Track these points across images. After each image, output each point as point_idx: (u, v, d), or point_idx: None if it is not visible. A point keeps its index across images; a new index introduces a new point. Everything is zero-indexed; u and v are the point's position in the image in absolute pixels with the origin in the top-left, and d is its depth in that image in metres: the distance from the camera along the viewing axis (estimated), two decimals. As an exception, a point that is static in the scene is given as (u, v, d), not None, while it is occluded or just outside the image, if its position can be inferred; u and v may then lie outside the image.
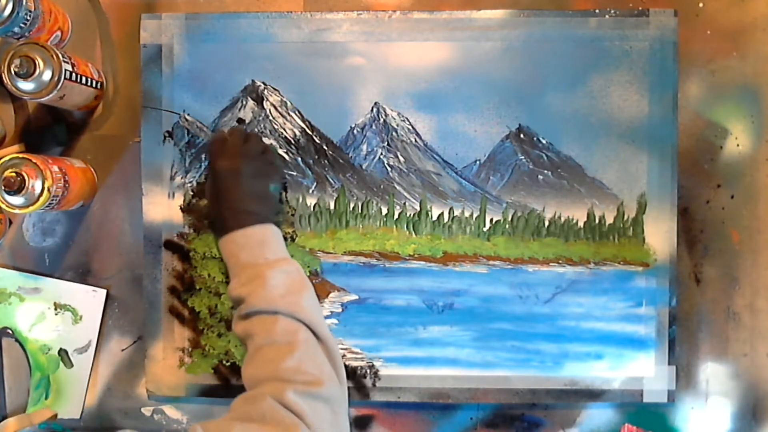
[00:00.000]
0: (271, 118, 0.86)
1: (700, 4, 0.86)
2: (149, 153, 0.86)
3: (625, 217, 0.86)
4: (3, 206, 0.77)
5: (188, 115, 0.86)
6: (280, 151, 0.87)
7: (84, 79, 0.81)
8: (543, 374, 0.86)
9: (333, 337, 0.69)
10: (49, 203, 0.78)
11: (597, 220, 0.86)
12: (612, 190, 0.86)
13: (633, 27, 0.84)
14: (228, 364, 0.86)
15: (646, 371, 0.86)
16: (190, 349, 0.87)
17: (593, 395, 0.86)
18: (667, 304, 0.85)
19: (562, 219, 0.86)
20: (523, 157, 0.86)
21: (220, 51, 0.86)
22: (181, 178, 0.86)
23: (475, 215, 0.86)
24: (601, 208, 0.86)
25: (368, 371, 0.86)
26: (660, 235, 0.85)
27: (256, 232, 0.72)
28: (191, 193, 0.86)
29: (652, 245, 0.85)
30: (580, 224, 0.86)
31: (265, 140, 0.86)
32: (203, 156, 0.86)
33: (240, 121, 0.86)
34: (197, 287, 0.86)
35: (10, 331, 0.62)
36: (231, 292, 0.71)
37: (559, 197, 0.86)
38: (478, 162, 0.86)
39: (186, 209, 0.86)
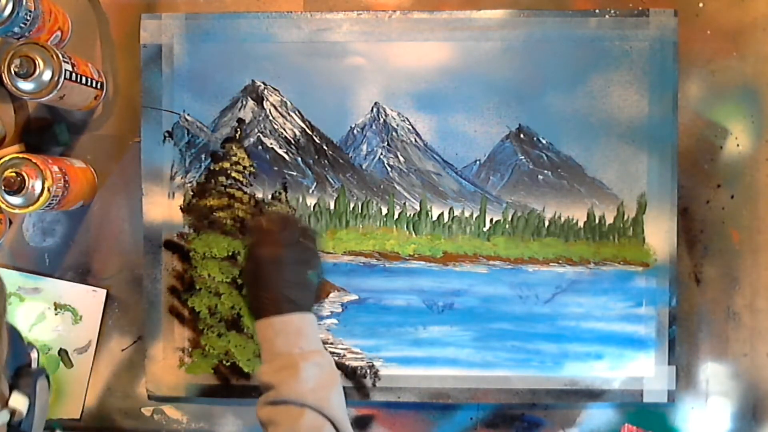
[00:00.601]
0: (271, 118, 0.86)
1: (700, 4, 0.86)
2: (149, 153, 0.86)
3: (625, 217, 0.86)
4: (3, 206, 0.77)
5: (188, 115, 0.86)
6: (280, 151, 0.87)
7: (84, 79, 0.81)
8: (543, 374, 0.86)
9: None
10: (49, 203, 0.78)
11: (597, 220, 0.86)
12: (612, 190, 0.86)
13: (633, 27, 0.84)
14: (228, 364, 0.86)
15: (646, 371, 0.85)
16: (190, 349, 0.87)
17: (593, 395, 0.86)
18: (667, 304, 0.85)
19: (562, 219, 0.86)
20: (523, 157, 0.86)
21: (220, 51, 0.86)
22: (181, 178, 0.86)
23: (475, 215, 0.86)
24: (601, 208, 0.86)
25: (368, 371, 0.86)
26: (660, 235, 0.85)
27: (294, 320, 0.72)
28: (191, 193, 0.86)
29: (652, 245, 0.85)
30: (580, 224, 0.86)
31: (265, 141, 0.86)
32: (203, 156, 0.86)
33: (240, 121, 0.86)
34: (197, 287, 0.86)
35: (46, 373, 0.63)
36: (261, 376, 0.71)
37: (559, 197, 0.86)
38: (478, 162, 0.86)
39: (186, 209, 0.86)
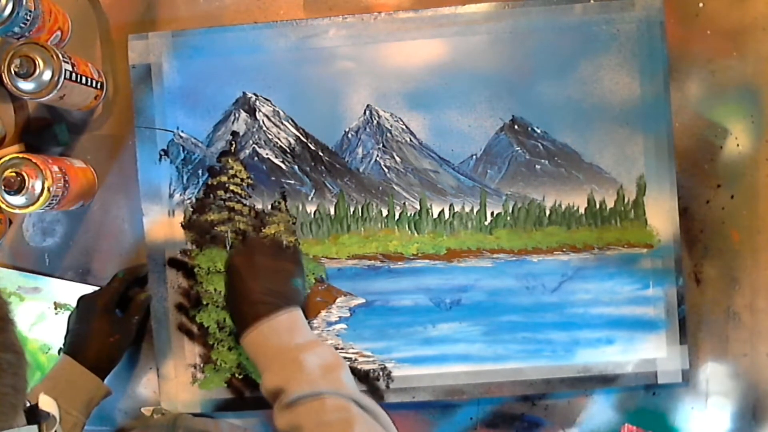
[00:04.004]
0: (264, 128, 0.87)
1: (700, 4, 0.85)
2: (146, 173, 0.86)
3: (626, 200, 0.85)
4: (3, 206, 0.77)
5: (182, 131, 0.86)
6: (276, 161, 0.87)
7: (84, 79, 0.81)
8: (555, 363, 0.86)
9: (378, 405, 0.67)
10: (49, 203, 0.78)
11: (598, 206, 0.86)
12: (610, 174, 0.85)
13: (619, 10, 0.84)
14: (240, 377, 0.86)
15: (658, 352, 0.85)
16: (201, 365, 0.87)
17: (607, 380, 0.85)
18: (674, 284, 0.85)
19: (563, 207, 0.86)
20: (518, 148, 0.86)
21: (209, 66, 0.86)
22: (180, 195, 0.86)
23: (475, 210, 0.86)
24: (600, 193, 0.86)
25: (381, 373, 0.86)
26: (662, 215, 0.85)
27: (282, 320, 0.69)
28: (191, 210, 0.86)
29: (654, 226, 0.85)
30: (581, 211, 0.86)
31: (261, 151, 0.87)
32: (200, 172, 0.86)
33: (234, 134, 0.86)
34: (204, 302, 0.86)
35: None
36: (266, 385, 0.67)
37: (558, 185, 0.86)
38: (474, 156, 0.86)
39: (187, 226, 0.86)
